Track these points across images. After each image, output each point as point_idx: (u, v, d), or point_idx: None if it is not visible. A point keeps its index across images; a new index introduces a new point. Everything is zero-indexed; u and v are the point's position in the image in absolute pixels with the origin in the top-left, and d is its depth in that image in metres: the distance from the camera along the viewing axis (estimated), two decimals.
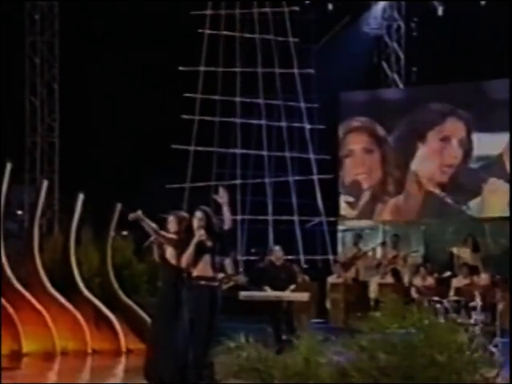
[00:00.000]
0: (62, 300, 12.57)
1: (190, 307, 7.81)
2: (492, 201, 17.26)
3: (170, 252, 7.96)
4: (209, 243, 7.91)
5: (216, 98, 18.37)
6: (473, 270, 15.37)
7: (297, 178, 17.98)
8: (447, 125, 17.36)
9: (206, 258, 7.93)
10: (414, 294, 14.89)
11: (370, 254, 16.90)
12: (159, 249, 8.01)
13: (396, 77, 20.67)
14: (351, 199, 18.20)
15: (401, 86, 20.16)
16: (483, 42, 16.91)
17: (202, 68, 18.44)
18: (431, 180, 17.58)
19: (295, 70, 18.55)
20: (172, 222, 8.04)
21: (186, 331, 7.67)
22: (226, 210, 7.83)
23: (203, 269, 7.92)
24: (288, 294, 11.88)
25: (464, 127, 17.28)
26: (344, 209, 18.37)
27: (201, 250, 7.87)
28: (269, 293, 11.79)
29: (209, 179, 17.98)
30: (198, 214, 7.93)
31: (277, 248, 12.50)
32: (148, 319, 12.94)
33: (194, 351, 7.53)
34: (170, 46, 17.60)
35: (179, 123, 17.82)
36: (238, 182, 18.10)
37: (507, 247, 17.91)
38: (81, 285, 12.89)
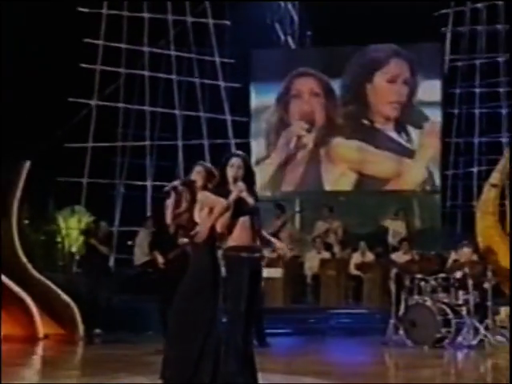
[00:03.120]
0: None
1: (225, 287, 5.85)
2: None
3: (198, 216, 5.95)
4: (250, 201, 5.87)
5: (121, 45, 16.28)
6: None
7: (212, 141, 16.23)
8: (392, 65, 16.95)
9: (245, 221, 5.82)
10: (353, 270, 13.75)
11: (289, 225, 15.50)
12: (186, 211, 6.03)
13: (290, 39, 19.53)
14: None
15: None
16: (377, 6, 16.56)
17: (104, 11, 16.28)
18: (379, 113, 16.85)
19: (209, 21, 16.78)
20: (199, 175, 6.10)
21: (218, 317, 5.84)
22: (247, 196, 5.80)
23: (241, 236, 5.81)
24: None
25: (408, 67, 16.93)
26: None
27: (239, 210, 5.78)
28: None
29: (114, 139, 15.91)
30: (236, 160, 5.90)
31: None
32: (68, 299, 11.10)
33: (232, 343, 5.63)
34: None
35: (78, 73, 15.59)
36: (146, 143, 16.13)
37: (431, 222, 17.32)
38: None
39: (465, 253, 10.41)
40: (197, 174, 6.10)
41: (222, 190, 5.84)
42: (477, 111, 19.40)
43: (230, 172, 5.83)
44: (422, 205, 16.97)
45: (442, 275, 10.01)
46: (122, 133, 15.99)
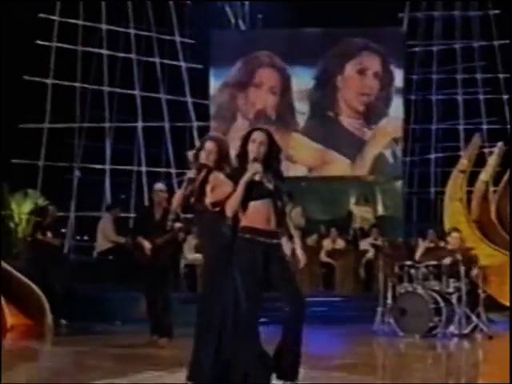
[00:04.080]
0: None
1: (237, 274, 5.07)
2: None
3: (210, 195, 5.28)
4: (267, 183, 5.12)
5: (78, 22, 15.40)
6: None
7: (173, 123, 15.50)
8: (363, 58, 16.69)
9: (260, 205, 5.11)
10: (323, 257, 13.32)
11: None
12: (199, 189, 5.30)
13: (240, 22, 19.00)
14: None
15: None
16: None
17: None
18: (349, 106, 16.46)
19: None
20: (211, 148, 5.38)
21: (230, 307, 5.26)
22: (266, 182, 5.11)
23: (254, 218, 5.06)
24: None
25: (379, 60, 16.65)
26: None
27: (252, 194, 5.10)
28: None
29: (72, 120, 15.05)
30: (258, 135, 5.11)
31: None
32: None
33: (244, 339, 5.09)
34: None
35: (33, 50, 14.67)
36: (106, 125, 15.30)
37: (393, 209, 17.05)
38: None
39: (454, 239, 10.03)
40: (208, 155, 5.37)
41: (240, 170, 5.11)
42: (434, 97, 19.31)
43: (251, 148, 5.09)
44: (383, 191, 16.67)
45: (433, 262, 9.60)
46: (80, 114, 15.15)
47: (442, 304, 9.37)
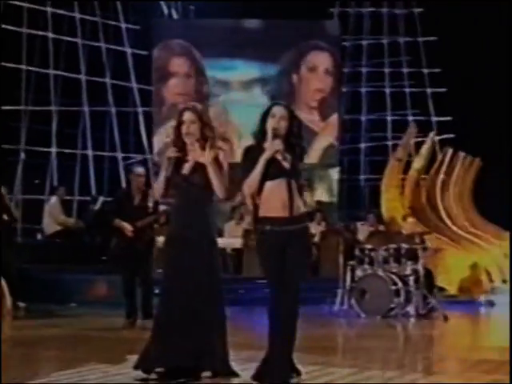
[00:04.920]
0: None
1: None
2: None
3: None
4: (283, 161, 4.75)
5: (23, 4, 15.07)
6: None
7: (119, 108, 15.41)
8: (313, 56, 17.08)
9: (279, 184, 4.71)
10: None
11: None
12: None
13: (174, 12, 19.04)
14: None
15: None
16: None
17: None
18: (304, 102, 16.87)
19: None
20: (191, 118, 4.97)
21: None
22: (283, 160, 4.72)
23: (268, 205, 4.71)
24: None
25: (329, 58, 17.07)
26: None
27: (272, 170, 4.70)
28: None
29: (17, 103, 14.74)
30: (278, 110, 4.73)
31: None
32: None
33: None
34: None
35: None
36: (52, 108, 15.05)
37: (329, 194, 17.47)
38: None
39: (409, 224, 10.48)
40: (189, 126, 4.96)
41: (257, 147, 4.74)
42: (363, 90, 19.89)
43: (271, 124, 4.69)
44: (320, 178, 17.11)
45: (393, 246, 10.01)
46: (25, 96, 14.87)
47: (400, 285, 9.77)
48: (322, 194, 16.83)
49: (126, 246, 8.36)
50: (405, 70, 19.75)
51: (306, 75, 17.04)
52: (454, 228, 13.82)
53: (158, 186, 5.04)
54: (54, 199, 12.81)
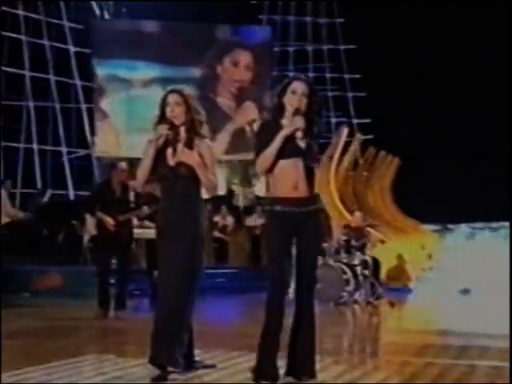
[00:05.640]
0: None
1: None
2: None
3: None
4: (299, 140, 4.44)
5: None
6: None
7: (63, 105, 15.55)
8: (236, 53, 17.90)
9: (292, 164, 4.44)
10: (217, 234, 14.07)
11: None
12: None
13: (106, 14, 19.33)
14: None
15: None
16: None
17: None
18: (226, 90, 17.65)
19: None
20: (177, 100, 4.79)
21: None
22: (298, 139, 4.42)
23: (279, 185, 4.45)
24: None
25: (249, 55, 17.91)
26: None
27: (287, 149, 4.42)
28: None
29: None
30: (299, 85, 4.39)
31: None
32: None
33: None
34: None
35: None
36: None
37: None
38: None
39: (357, 218, 11.21)
40: (174, 109, 4.76)
41: (274, 123, 4.45)
42: None
43: (292, 100, 4.39)
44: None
45: (344, 238, 10.74)
46: None
47: (349, 275, 10.50)
48: (261, 189, 17.41)
49: (105, 238, 8.29)
50: (328, 75, 20.71)
51: (228, 67, 18.01)
52: (380, 221, 14.77)
53: (141, 172, 4.76)
54: (1, 192, 12.85)
